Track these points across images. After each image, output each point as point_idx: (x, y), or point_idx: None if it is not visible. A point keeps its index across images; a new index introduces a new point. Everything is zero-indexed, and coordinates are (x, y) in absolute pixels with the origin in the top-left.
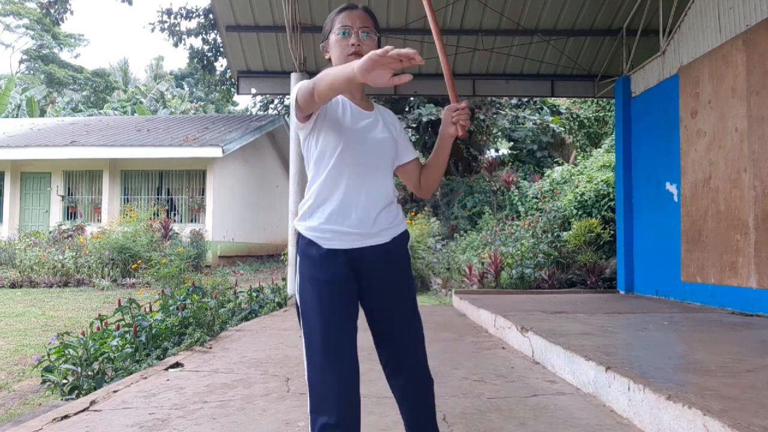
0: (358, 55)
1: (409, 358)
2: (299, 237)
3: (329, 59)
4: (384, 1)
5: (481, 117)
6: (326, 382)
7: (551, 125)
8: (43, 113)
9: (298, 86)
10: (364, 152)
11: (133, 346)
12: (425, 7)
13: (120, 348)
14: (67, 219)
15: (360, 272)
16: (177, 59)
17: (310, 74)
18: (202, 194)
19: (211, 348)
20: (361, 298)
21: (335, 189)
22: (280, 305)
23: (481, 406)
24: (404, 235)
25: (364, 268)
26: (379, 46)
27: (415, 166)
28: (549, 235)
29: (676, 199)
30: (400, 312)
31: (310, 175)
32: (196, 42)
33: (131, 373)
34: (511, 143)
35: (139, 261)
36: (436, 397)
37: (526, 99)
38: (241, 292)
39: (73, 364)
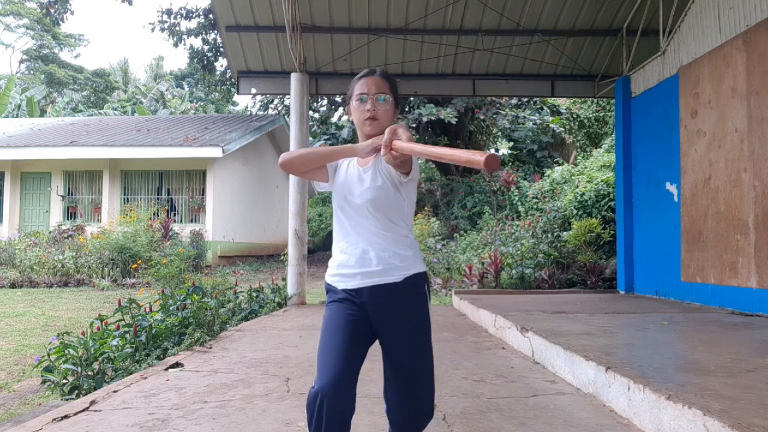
0: (373, 119)
1: (409, 403)
2: (327, 283)
3: (351, 120)
4: (384, 2)
5: (481, 117)
6: (321, 373)
7: (551, 125)
8: (43, 113)
9: (292, 158)
10: (355, 204)
11: (133, 346)
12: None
13: (120, 348)
14: (67, 219)
15: (369, 310)
16: (177, 59)
17: (310, 74)
18: (202, 194)
19: (211, 348)
20: (376, 335)
21: (342, 238)
22: (280, 305)
23: (481, 406)
24: (418, 276)
25: (371, 306)
26: (396, 108)
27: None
28: (549, 235)
29: (676, 199)
30: (407, 352)
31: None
32: (196, 42)
33: (131, 373)
34: (511, 143)
35: (139, 261)
36: (437, 398)
37: (526, 99)
38: (241, 292)
39: (73, 364)
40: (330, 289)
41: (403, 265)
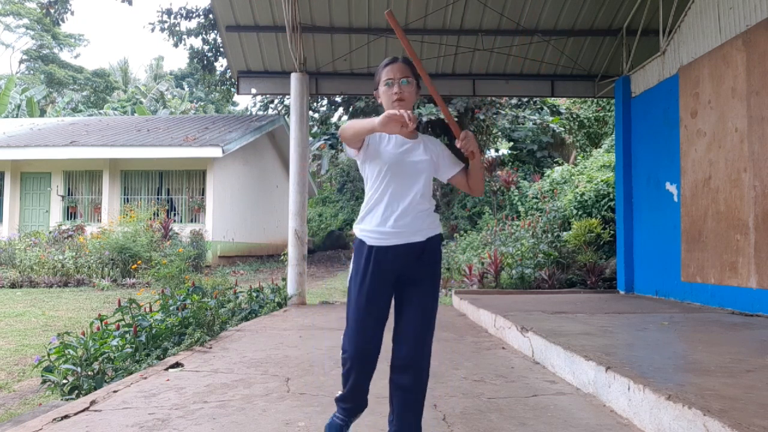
0: (401, 100)
1: (407, 359)
2: (356, 237)
3: (381, 103)
4: (384, 1)
5: (481, 117)
6: (352, 335)
7: (551, 125)
8: (43, 113)
9: (340, 130)
10: (403, 171)
11: (133, 346)
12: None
13: (120, 348)
14: (67, 219)
15: (398, 265)
16: (177, 59)
17: (310, 74)
18: (202, 194)
19: (211, 348)
20: (398, 288)
21: (381, 200)
22: (280, 305)
23: (481, 406)
24: (437, 237)
25: (400, 261)
26: (418, 88)
27: (462, 175)
28: (549, 235)
29: (676, 199)
30: (423, 304)
31: (367, 191)
32: (196, 42)
33: (131, 373)
34: (511, 143)
35: (139, 261)
36: (436, 398)
37: (526, 99)
38: (241, 292)
39: (73, 364)
40: (360, 242)
41: (430, 228)
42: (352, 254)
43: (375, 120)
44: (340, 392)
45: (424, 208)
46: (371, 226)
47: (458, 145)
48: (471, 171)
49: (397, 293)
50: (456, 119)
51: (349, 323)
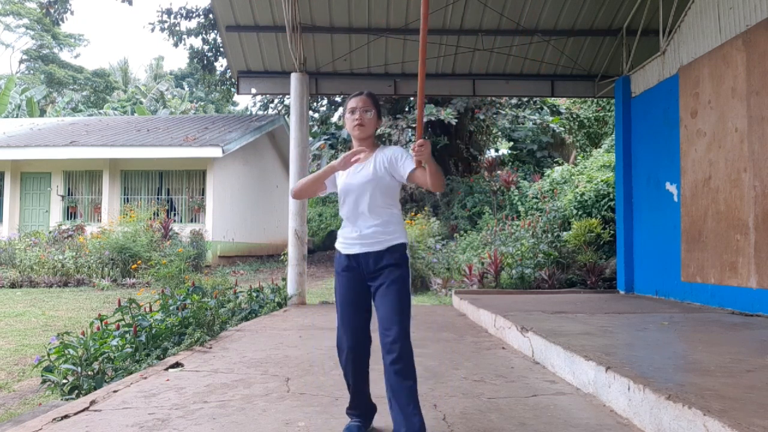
0: (361, 125)
1: (392, 332)
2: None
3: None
4: (384, 2)
5: (481, 117)
6: (340, 325)
7: (551, 125)
8: (43, 113)
9: (292, 194)
10: (350, 192)
11: (133, 346)
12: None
13: (120, 348)
14: (67, 219)
15: (364, 270)
16: (177, 59)
17: (310, 74)
18: (202, 194)
19: (211, 348)
20: (370, 287)
21: (345, 216)
22: (280, 305)
23: (481, 406)
24: (397, 246)
25: (365, 267)
26: (378, 119)
27: (421, 173)
28: (549, 235)
29: (676, 199)
30: (390, 300)
31: None
32: (196, 42)
33: (131, 373)
34: (511, 143)
35: (139, 261)
36: (436, 398)
37: (526, 99)
38: (241, 292)
39: (73, 364)
40: (338, 252)
41: (389, 238)
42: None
43: (334, 164)
44: (349, 401)
45: (380, 220)
46: (341, 240)
47: (412, 148)
48: (427, 170)
49: (372, 293)
50: (456, 119)
51: (337, 315)
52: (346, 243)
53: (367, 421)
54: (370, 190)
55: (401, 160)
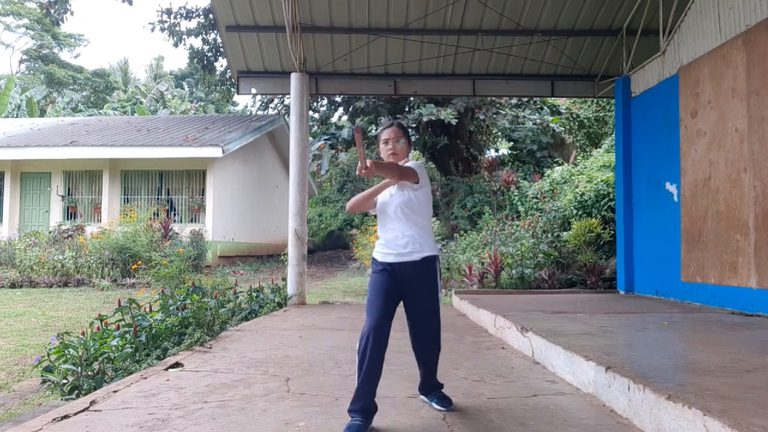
0: (394, 154)
1: (420, 343)
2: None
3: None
4: (384, 2)
5: (481, 117)
6: (369, 316)
7: (551, 125)
8: (43, 113)
9: (348, 209)
10: (391, 209)
11: (133, 346)
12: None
13: (120, 348)
14: (67, 219)
15: (399, 278)
16: (177, 59)
17: (310, 74)
18: (202, 194)
19: (211, 348)
20: (402, 296)
21: (383, 230)
22: (280, 305)
23: (481, 406)
24: (431, 258)
25: (400, 275)
26: (408, 144)
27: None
28: (549, 235)
29: (676, 199)
30: (424, 307)
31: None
32: (196, 42)
33: (131, 373)
34: (511, 143)
35: (139, 261)
36: None
37: (526, 99)
38: (241, 292)
39: (73, 364)
40: (374, 259)
41: (421, 249)
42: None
43: (385, 184)
44: (353, 394)
45: (414, 233)
46: (380, 249)
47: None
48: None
49: (403, 298)
50: (456, 119)
51: (367, 307)
52: (385, 253)
53: (367, 421)
54: (408, 206)
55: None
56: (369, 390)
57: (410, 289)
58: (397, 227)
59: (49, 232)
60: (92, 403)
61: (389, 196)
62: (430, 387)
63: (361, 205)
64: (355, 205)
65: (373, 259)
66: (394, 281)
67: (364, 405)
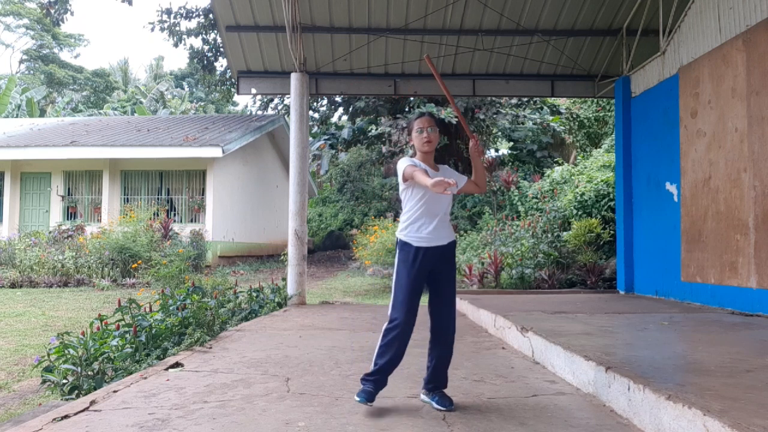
0: (429, 142)
1: (445, 325)
2: (399, 240)
3: (413, 145)
4: (384, 2)
5: (481, 117)
6: (401, 306)
7: (551, 125)
8: (43, 113)
9: (403, 169)
10: (433, 197)
11: (133, 346)
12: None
13: (120, 348)
14: (67, 219)
15: (431, 260)
16: (177, 59)
17: (310, 74)
18: (202, 194)
19: (211, 348)
20: (430, 276)
21: (420, 216)
22: (280, 305)
23: (481, 406)
24: (454, 242)
25: (433, 258)
26: (438, 133)
27: (469, 185)
28: (549, 235)
29: (676, 199)
30: (448, 289)
31: (405, 207)
32: (196, 42)
33: (131, 373)
34: (511, 143)
35: (139, 261)
36: None
37: (526, 99)
38: (241, 292)
39: (73, 364)
40: (405, 243)
41: (449, 236)
42: (397, 250)
43: (428, 182)
44: (371, 369)
45: (445, 222)
46: (414, 233)
47: (472, 146)
48: (477, 172)
49: (430, 281)
50: (456, 119)
51: (398, 297)
52: (419, 239)
53: (377, 390)
54: (448, 199)
55: (459, 178)
56: (391, 367)
57: (439, 271)
58: (438, 216)
59: (49, 232)
60: (92, 403)
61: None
62: (440, 382)
63: (416, 182)
64: (412, 180)
65: (404, 243)
66: (426, 266)
67: (380, 379)
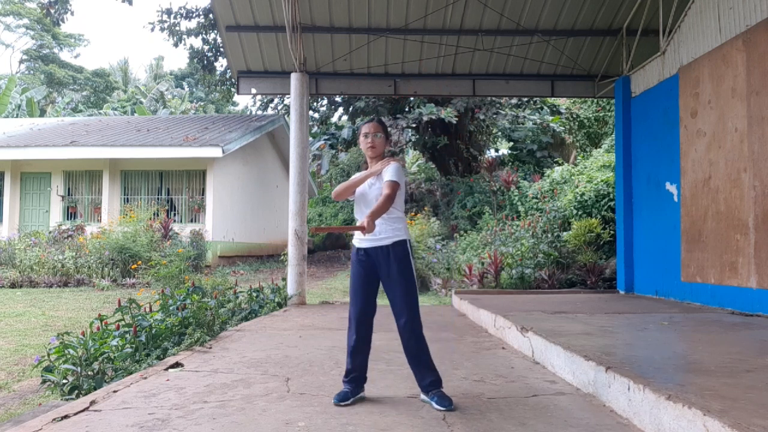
0: (372, 148)
1: (401, 327)
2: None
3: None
4: (384, 2)
5: (481, 117)
6: (350, 304)
7: (551, 125)
8: (43, 113)
9: (333, 195)
10: (360, 199)
11: (133, 346)
12: None
13: (120, 348)
14: (67, 219)
15: (373, 260)
16: (177, 59)
17: (310, 74)
18: (202, 194)
19: (211, 348)
20: (382, 277)
21: (360, 216)
22: (280, 305)
23: (481, 406)
24: (401, 242)
25: (375, 259)
26: (387, 140)
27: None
28: (549, 235)
29: (676, 199)
30: (398, 289)
31: None
32: (196, 42)
33: (131, 373)
34: (511, 143)
35: (139, 261)
36: None
37: (526, 99)
38: (241, 292)
39: (73, 364)
40: (353, 246)
41: (393, 235)
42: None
43: (369, 173)
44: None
45: (390, 223)
46: (355, 237)
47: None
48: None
49: (383, 282)
50: (456, 119)
51: (350, 296)
52: (360, 239)
53: (357, 389)
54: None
55: (384, 176)
56: (359, 364)
57: (385, 273)
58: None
59: (49, 232)
60: (92, 403)
61: (368, 186)
62: (427, 381)
63: (345, 192)
64: (340, 192)
65: (353, 246)
66: (371, 268)
67: (355, 375)
